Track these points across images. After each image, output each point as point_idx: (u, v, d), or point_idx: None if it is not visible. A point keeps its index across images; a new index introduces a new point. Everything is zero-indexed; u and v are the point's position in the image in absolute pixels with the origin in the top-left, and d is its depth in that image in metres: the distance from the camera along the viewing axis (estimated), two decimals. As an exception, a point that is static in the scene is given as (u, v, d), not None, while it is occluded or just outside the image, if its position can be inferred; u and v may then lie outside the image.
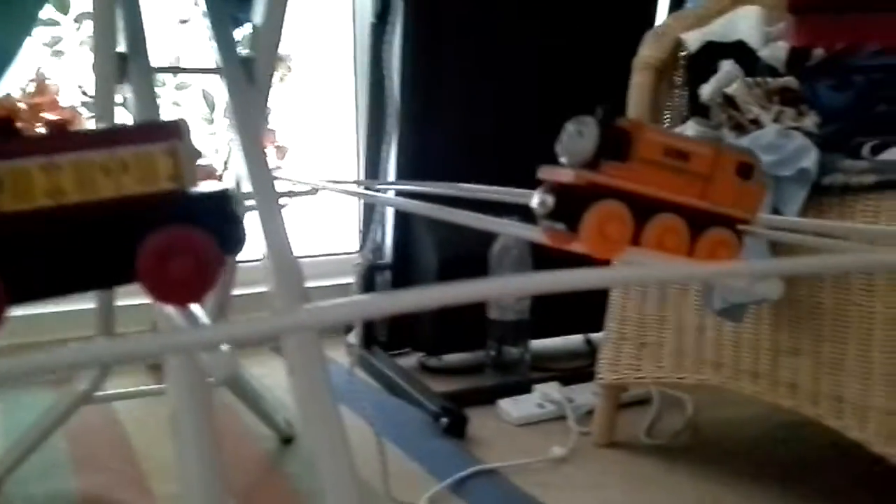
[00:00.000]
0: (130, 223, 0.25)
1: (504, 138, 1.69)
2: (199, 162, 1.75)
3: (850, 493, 1.11)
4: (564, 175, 0.34)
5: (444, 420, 1.32)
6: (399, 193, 1.35)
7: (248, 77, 0.82)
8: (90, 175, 0.24)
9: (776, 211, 0.98)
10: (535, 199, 0.35)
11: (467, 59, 1.67)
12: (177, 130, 0.25)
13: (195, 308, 0.25)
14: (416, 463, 1.20)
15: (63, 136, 0.25)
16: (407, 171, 1.62)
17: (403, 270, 1.70)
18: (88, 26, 1.73)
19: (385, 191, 1.40)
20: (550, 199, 0.34)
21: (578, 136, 0.35)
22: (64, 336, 1.62)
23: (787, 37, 1.08)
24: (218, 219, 0.25)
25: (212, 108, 1.92)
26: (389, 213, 1.68)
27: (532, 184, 0.53)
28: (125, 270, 0.25)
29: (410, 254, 1.69)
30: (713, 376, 1.11)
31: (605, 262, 0.35)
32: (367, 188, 1.31)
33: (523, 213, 0.59)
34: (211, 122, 1.90)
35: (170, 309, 0.25)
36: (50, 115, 1.68)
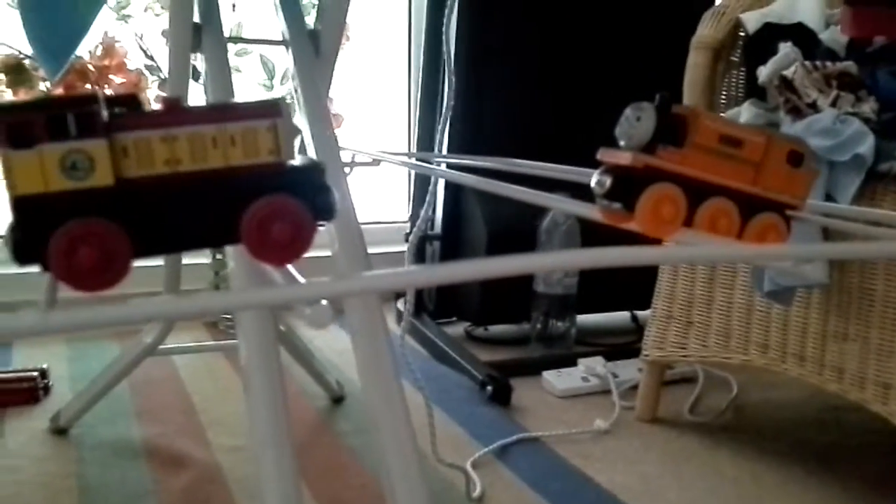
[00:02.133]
0: (236, 191, 0.28)
1: (558, 115, 1.70)
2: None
3: (892, 479, 1.12)
4: (622, 157, 0.36)
5: (490, 388, 1.35)
6: (452, 167, 1.37)
7: (315, 49, 0.85)
8: (202, 147, 0.28)
9: (830, 196, 0.99)
10: (593, 180, 0.37)
11: (524, 37, 1.68)
12: (278, 109, 0.28)
13: (291, 268, 0.28)
14: (461, 428, 1.24)
15: (179, 111, 0.28)
16: (460, 146, 1.65)
17: (453, 242, 1.73)
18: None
19: (438, 163, 1.43)
20: (608, 180, 0.36)
21: (637, 121, 0.37)
22: (131, 291, 1.69)
23: (842, 28, 1.07)
24: (312, 189, 0.29)
25: (271, 74, 1.95)
26: (441, 185, 1.71)
27: (584, 161, 0.55)
28: (231, 233, 0.28)
29: (460, 226, 1.72)
30: (759, 357, 1.12)
31: (658, 241, 0.37)
32: (420, 160, 1.34)
33: (574, 190, 0.61)
34: (270, 88, 1.94)
35: (268, 267, 0.28)
36: (117, 78, 1.73)
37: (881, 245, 0.32)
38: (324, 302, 0.23)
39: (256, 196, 0.28)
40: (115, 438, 1.16)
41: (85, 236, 0.26)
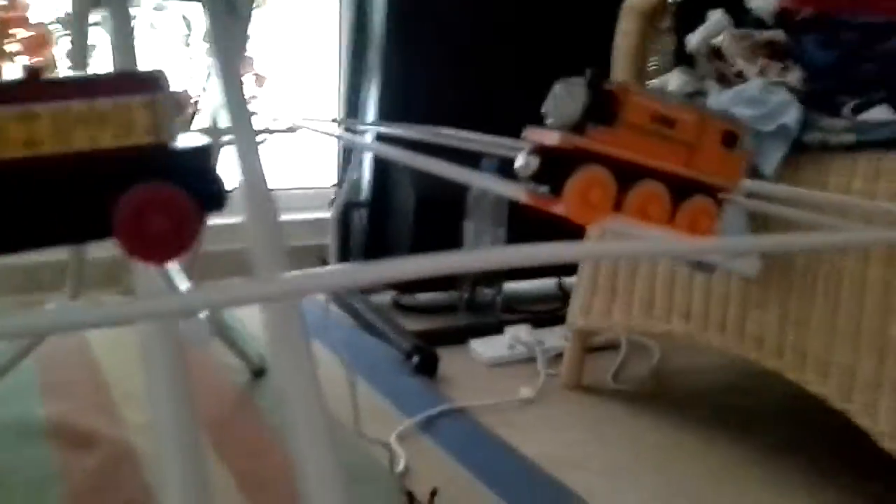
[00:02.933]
0: (106, 177, 0.24)
1: (489, 80, 1.67)
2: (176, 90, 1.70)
3: (807, 444, 1.14)
4: (550, 137, 0.34)
5: (416, 358, 1.33)
6: (378, 136, 1.33)
7: (230, 8, 0.80)
8: (67, 126, 0.24)
9: (754, 167, 0.99)
10: (518, 160, 0.35)
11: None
12: (156, 82, 0.25)
13: (172, 268, 0.24)
14: (386, 400, 1.22)
15: (40, 85, 0.24)
16: (388, 110, 1.60)
17: (381, 209, 1.69)
18: (60, -59, 1.66)
19: (364, 132, 1.39)
20: (535, 162, 0.34)
21: (566, 98, 0.34)
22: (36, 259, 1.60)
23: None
24: (197, 176, 0.25)
25: (190, 30, 1.86)
26: (368, 151, 1.67)
27: (516, 129, 0.52)
28: (101, 226, 0.24)
29: (388, 192, 1.68)
30: (681, 326, 1.13)
31: (585, 226, 0.35)
32: (346, 128, 1.30)
33: (503, 159, 0.58)
34: (188, 45, 1.85)
35: (147, 267, 0.25)
36: (21, 32, 1.62)
37: (818, 237, 0.31)
38: (201, 315, 0.20)
39: (130, 183, 0.24)
40: (19, 417, 1.10)
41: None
